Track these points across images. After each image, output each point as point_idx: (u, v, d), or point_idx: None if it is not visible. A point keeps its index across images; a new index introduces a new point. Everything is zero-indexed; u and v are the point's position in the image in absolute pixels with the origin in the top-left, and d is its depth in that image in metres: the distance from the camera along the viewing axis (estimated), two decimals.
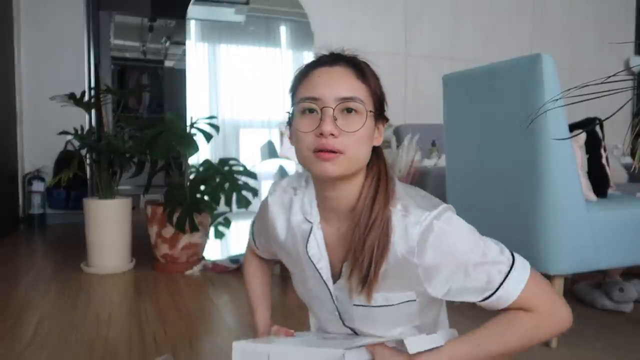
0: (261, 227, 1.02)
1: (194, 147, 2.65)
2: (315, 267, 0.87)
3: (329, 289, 0.89)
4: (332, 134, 0.76)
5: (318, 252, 0.87)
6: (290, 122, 0.83)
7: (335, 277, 0.88)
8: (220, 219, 2.81)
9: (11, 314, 1.99)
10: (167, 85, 6.94)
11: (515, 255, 0.82)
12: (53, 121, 3.29)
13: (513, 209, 1.73)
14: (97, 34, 4.99)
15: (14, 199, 4.03)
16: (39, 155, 4.14)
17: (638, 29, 5.24)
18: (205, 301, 2.19)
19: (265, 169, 3.43)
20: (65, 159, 3.98)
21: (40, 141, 4.11)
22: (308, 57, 3.76)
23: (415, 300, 0.85)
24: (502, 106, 1.75)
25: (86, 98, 2.78)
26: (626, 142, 0.91)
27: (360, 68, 0.81)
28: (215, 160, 2.84)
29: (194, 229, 2.59)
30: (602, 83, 0.83)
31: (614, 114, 0.98)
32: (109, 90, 3.07)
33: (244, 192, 2.67)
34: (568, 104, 1.32)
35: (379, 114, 0.83)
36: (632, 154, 2.05)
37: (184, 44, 3.77)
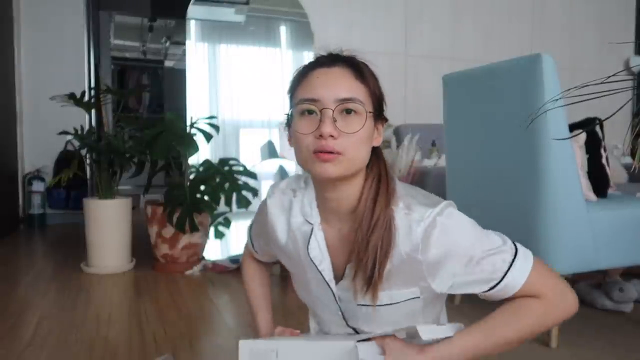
0: (260, 229, 1.02)
1: (194, 147, 2.65)
2: (317, 269, 0.87)
3: (331, 290, 0.88)
4: (332, 135, 0.76)
5: (320, 253, 0.87)
6: (288, 124, 0.83)
7: (338, 277, 0.88)
8: (220, 219, 2.81)
9: (11, 314, 1.99)
10: (167, 85, 6.94)
11: (518, 244, 0.83)
12: (53, 121, 3.29)
13: (513, 209, 1.73)
14: (97, 34, 4.98)
15: (14, 199, 4.03)
16: (39, 155, 4.14)
17: (638, 29, 5.24)
18: (205, 301, 2.19)
19: (265, 169, 3.43)
20: (65, 159, 3.98)
21: (40, 141, 4.11)
22: (308, 57, 3.76)
23: (419, 297, 0.85)
24: (502, 106, 1.75)
25: (86, 98, 2.78)
26: (626, 142, 0.91)
27: (358, 68, 0.81)
28: (215, 160, 2.84)
29: (194, 229, 2.59)
30: (602, 83, 0.83)
31: (614, 114, 0.98)
32: (109, 90, 3.07)
33: (244, 192, 2.67)
34: (568, 104, 1.32)
35: (378, 114, 0.83)
36: (632, 154, 2.05)
37: (184, 44, 3.77)
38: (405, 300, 0.85)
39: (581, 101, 0.88)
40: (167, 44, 6.86)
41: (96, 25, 4.96)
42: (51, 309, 2.07)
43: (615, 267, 1.90)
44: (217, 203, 2.61)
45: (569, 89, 0.97)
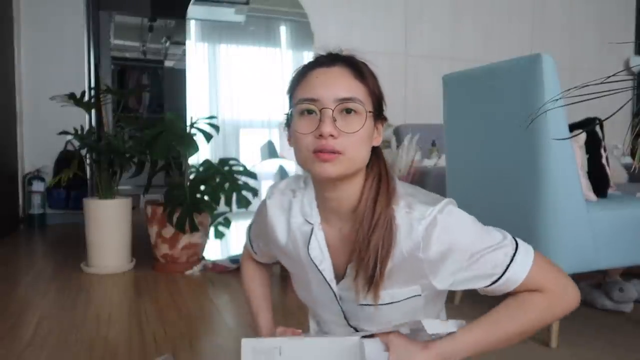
0: (259, 231, 1.01)
1: (194, 147, 2.65)
2: (318, 269, 0.87)
3: (332, 290, 0.88)
4: (332, 135, 0.76)
5: (320, 253, 0.87)
6: (288, 124, 0.83)
7: (339, 277, 0.88)
8: (220, 219, 2.81)
9: (11, 314, 1.99)
10: (167, 85, 6.94)
11: (518, 239, 0.83)
12: (53, 121, 3.29)
13: (513, 209, 1.73)
14: (97, 34, 4.99)
15: (14, 199, 4.03)
16: (39, 155, 4.15)
17: (638, 29, 5.24)
18: (205, 301, 2.19)
19: (265, 169, 3.43)
20: (65, 159, 3.98)
21: (40, 141, 4.11)
22: (308, 57, 3.76)
23: (420, 295, 0.85)
24: (502, 106, 1.75)
25: (86, 98, 2.78)
26: (626, 142, 0.91)
27: (358, 68, 0.81)
28: (215, 160, 2.84)
29: (194, 229, 2.59)
30: (602, 83, 0.83)
31: (614, 114, 0.98)
32: (109, 90, 3.07)
33: (244, 192, 2.67)
34: (568, 104, 1.32)
35: (378, 113, 0.83)
36: (632, 154, 2.05)
37: (184, 44, 3.77)
38: (406, 299, 0.85)
39: (581, 101, 0.88)
40: (167, 44, 6.86)
41: (96, 25, 4.97)
42: (51, 309, 2.07)
43: (615, 267, 1.90)
44: (217, 203, 2.61)
45: (569, 89, 0.97)
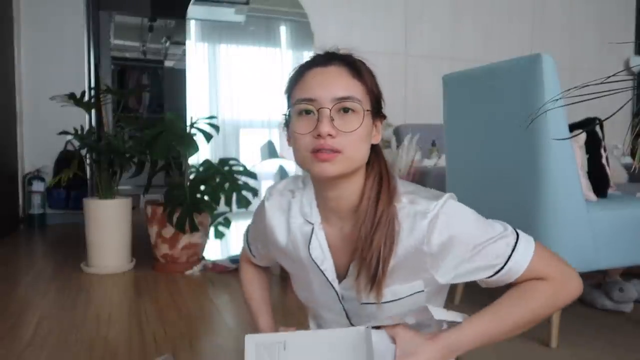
0: (258, 233, 1.01)
1: (194, 147, 2.65)
2: (320, 269, 0.87)
3: (335, 290, 0.88)
4: (330, 134, 0.76)
5: (321, 253, 0.86)
6: (287, 124, 0.83)
7: (340, 277, 0.88)
8: (220, 219, 2.81)
9: (11, 314, 1.99)
10: (167, 85, 6.94)
11: (519, 230, 0.84)
12: (53, 121, 3.29)
13: (513, 209, 1.73)
14: (97, 34, 4.98)
15: (14, 199, 4.03)
16: (39, 155, 4.15)
17: (638, 29, 5.24)
18: (205, 301, 2.19)
19: (265, 169, 3.43)
20: (65, 159, 3.98)
21: (40, 141, 4.11)
22: (308, 57, 3.74)
23: (422, 291, 0.85)
24: (502, 106, 1.75)
25: (86, 98, 2.78)
26: (626, 142, 0.91)
27: (355, 66, 0.81)
28: (215, 160, 2.84)
29: (194, 229, 2.59)
30: (602, 83, 0.83)
31: (614, 114, 0.98)
32: (109, 90, 3.07)
33: (244, 192, 2.67)
34: (568, 104, 1.32)
35: (376, 112, 0.83)
36: (632, 154, 2.05)
37: (184, 44, 3.77)
38: (409, 295, 0.85)
39: (581, 101, 0.88)
40: (167, 44, 6.86)
41: (96, 25, 4.96)
42: (51, 309, 2.07)
43: (615, 267, 1.90)
44: (217, 203, 2.61)
45: (569, 89, 0.97)
